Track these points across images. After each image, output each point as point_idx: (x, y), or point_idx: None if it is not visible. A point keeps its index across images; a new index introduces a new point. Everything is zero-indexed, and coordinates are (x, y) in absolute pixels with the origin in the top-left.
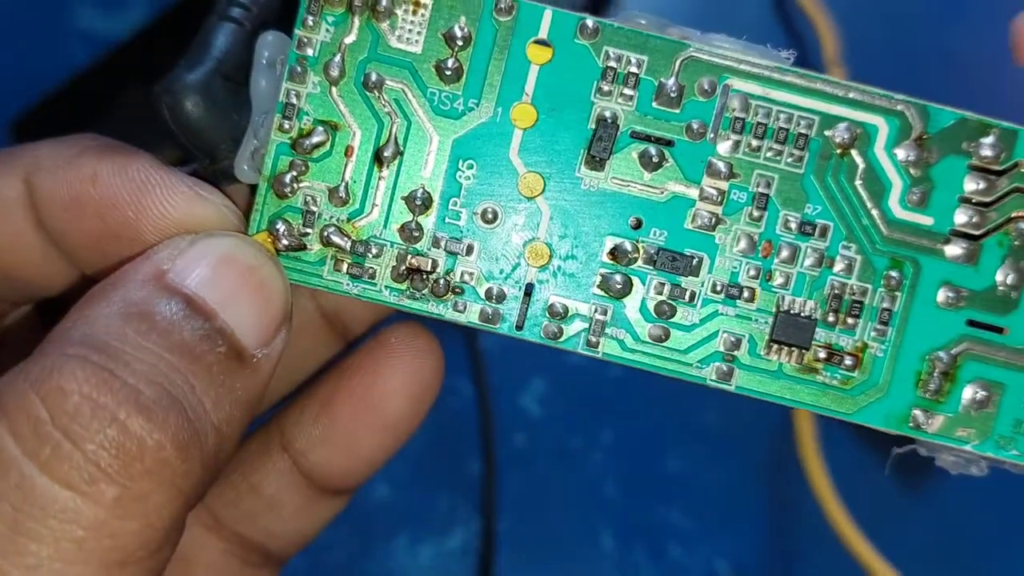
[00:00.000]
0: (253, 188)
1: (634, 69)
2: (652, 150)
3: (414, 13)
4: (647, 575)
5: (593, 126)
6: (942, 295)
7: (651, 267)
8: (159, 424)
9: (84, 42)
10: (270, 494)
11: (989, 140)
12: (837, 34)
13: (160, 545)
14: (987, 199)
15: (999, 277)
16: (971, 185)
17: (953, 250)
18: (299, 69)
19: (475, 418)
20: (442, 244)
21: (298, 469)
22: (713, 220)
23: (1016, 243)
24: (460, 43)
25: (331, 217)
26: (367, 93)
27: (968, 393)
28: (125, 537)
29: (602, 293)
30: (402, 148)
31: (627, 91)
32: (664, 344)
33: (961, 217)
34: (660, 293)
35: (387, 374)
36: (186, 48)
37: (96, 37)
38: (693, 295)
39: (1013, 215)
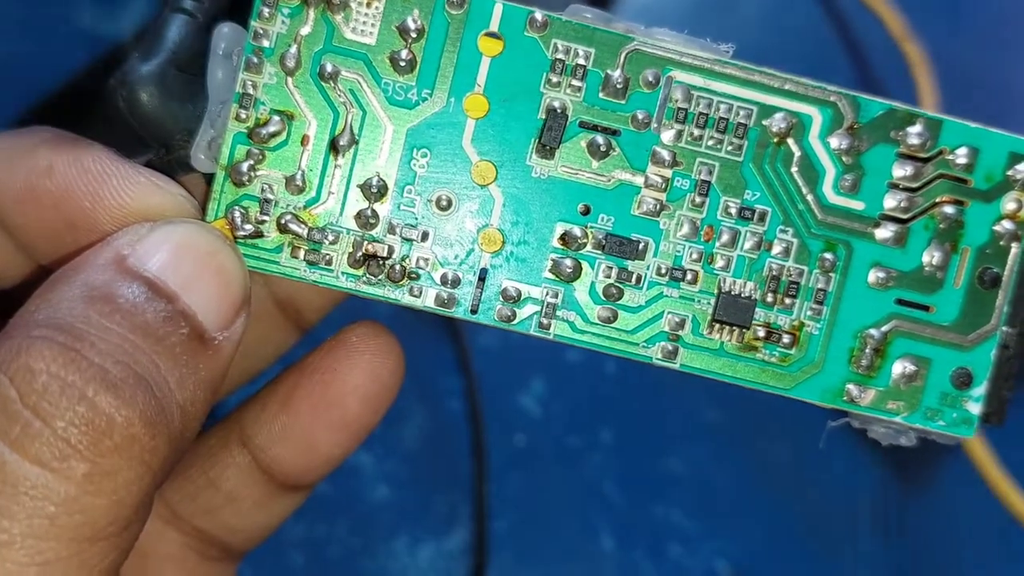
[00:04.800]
0: (209, 177)
1: (582, 61)
2: (599, 139)
3: (368, 6)
4: (647, 575)
5: (543, 116)
6: (873, 276)
7: (599, 252)
8: (127, 401)
9: (84, 42)
10: (229, 488)
11: (916, 129)
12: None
13: (129, 521)
14: (914, 184)
15: (925, 258)
16: (899, 171)
17: (883, 233)
18: (255, 60)
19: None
20: (397, 231)
21: (257, 464)
22: (658, 206)
23: (941, 226)
24: (413, 35)
25: (288, 205)
26: (323, 83)
27: (898, 368)
28: (95, 512)
29: (553, 277)
30: (357, 137)
31: (575, 82)
32: (612, 325)
33: (890, 202)
34: (608, 276)
35: (346, 372)
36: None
37: (96, 37)
38: (639, 278)
39: (938, 200)
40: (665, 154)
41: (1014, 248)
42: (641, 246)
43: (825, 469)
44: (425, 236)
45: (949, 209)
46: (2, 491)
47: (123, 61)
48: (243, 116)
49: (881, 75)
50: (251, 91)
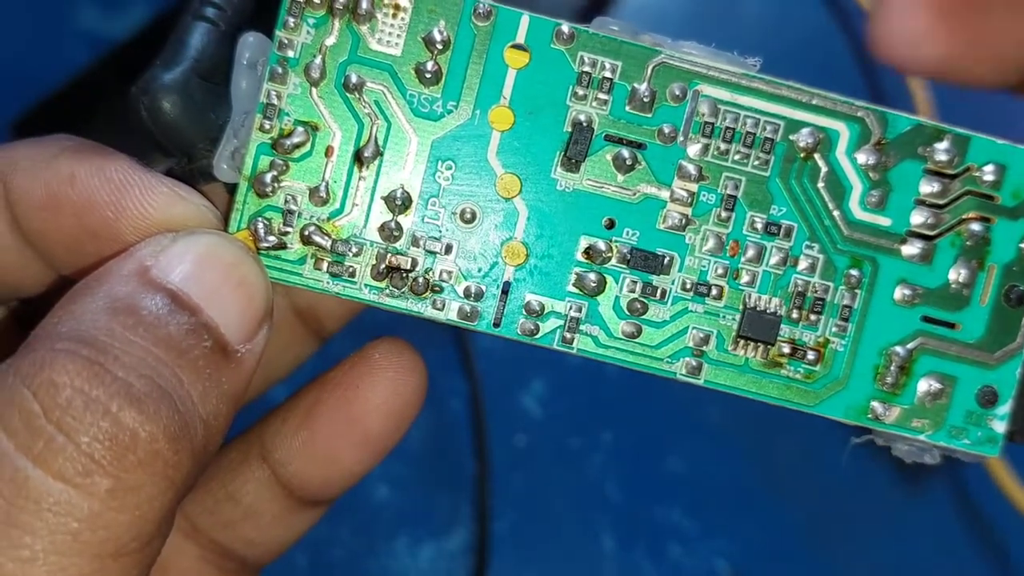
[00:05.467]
0: (232, 188)
1: (608, 74)
2: (625, 153)
3: (394, 17)
4: (648, 575)
5: (569, 129)
6: (899, 292)
7: (624, 266)
8: (151, 416)
9: (84, 42)
10: (248, 502)
11: (943, 145)
12: None
13: (152, 537)
14: (941, 201)
15: (952, 275)
16: (926, 188)
17: (909, 250)
18: (280, 70)
19: (473, 418)
20: (421, 243)
21: (277, 479)
22: (683, 221)
23: (968, 243)
24: (439, 47)
25: (311, 216)
26: (347, 94)
27: (923, 386)
28: (119, 528)
29: (577, 291)
30: (382, 149)
31: (601, 95)
32: (636, 340)
33: (917, 218)
34: (633, 291)
35: (369, 389)
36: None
37: (96, 37)
38: (664, 293)
39: (965, 216)
40: (691, 168)
41: None
42: (666, 261)
43: (825, 469)
44: (449, 249)
45: (976, 226)
46: (25, 507)
47: (122, 62)
48: (267, 126)
49: (890, 83)
50: (275, 101)
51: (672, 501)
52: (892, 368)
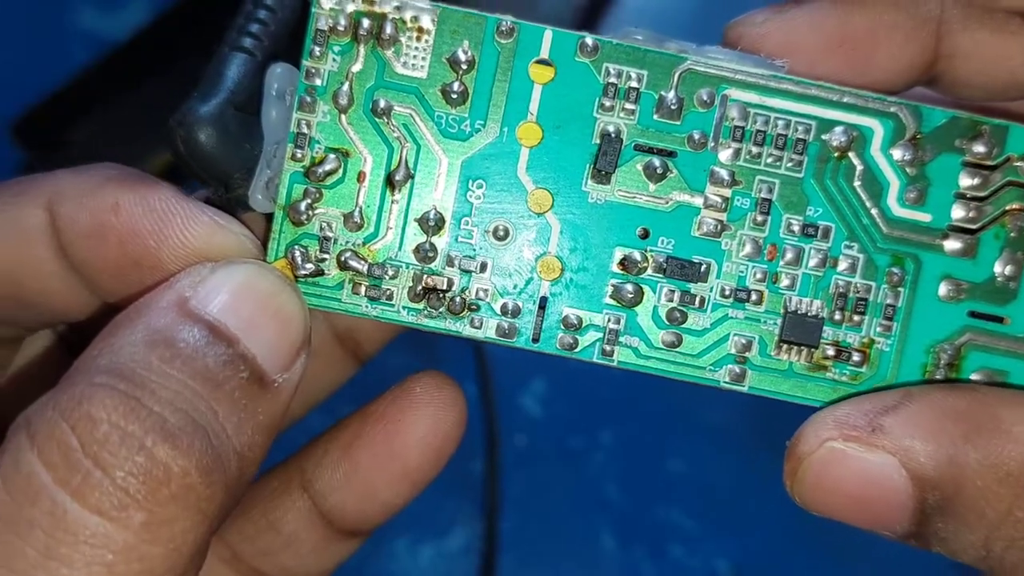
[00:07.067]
0: (269, 217)
1: (634, 84)
2: (656, 162)
3: (418, 39)
4: (648, 575)
5: (597, 141)
6: (943, 288)
7: (661, 275)
8: (184, 451)
9: (84, 42)
10: (288, 532)
11: (981, 137)
12: None
13: (185, 569)
14: (982, 193)
15: (997, 268)
16: (966, 181)
17: (952, 244)
18: (308, 99)
19: (477, 419)
20: (456, 263)
21: (317, 510)
22: (718, 227)
23: (1012, 235)
24: (464, 67)
25: (347, 242)
26: (376, 119)
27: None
28: (152, 561)
29: (614, 303)
30: (413, 171)
31: (629, 105)
32: (677, 350)
33: (958, 212)
34: (671, 300)
35: (410, 424)
36: (197, 76)
37: (96, 37)
38: (703, 300)
39: (1008, 208)
40: (724, 173)
41: None
42: (703, 268)
43: None
44: (484, 267)
45: (1020, 217)
46: (63, 539)
47: (122, 62)
48: (299, 155)
49: None
50: (305, 130)
51: (672, 501)
52: (941, 366)
